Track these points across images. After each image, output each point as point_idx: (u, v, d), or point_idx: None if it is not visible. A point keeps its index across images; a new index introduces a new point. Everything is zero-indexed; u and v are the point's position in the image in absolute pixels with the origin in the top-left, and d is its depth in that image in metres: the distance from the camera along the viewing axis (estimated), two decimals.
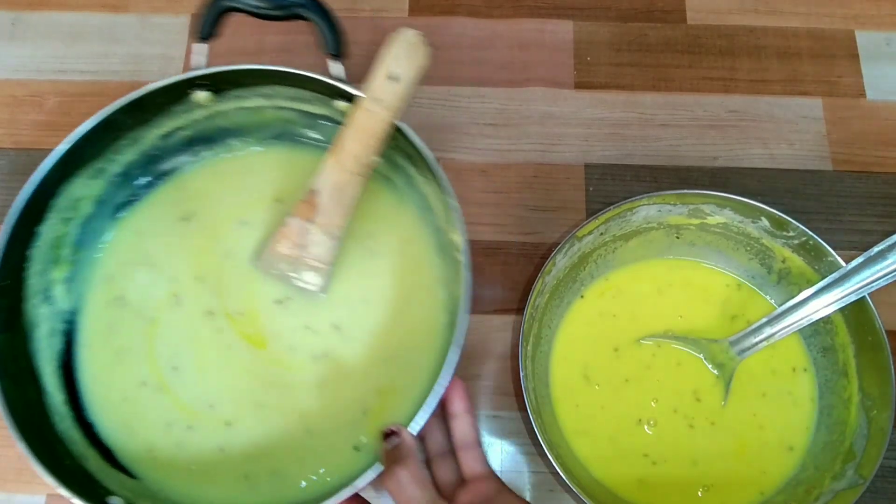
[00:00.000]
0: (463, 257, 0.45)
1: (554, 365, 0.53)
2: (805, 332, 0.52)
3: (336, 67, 0.48)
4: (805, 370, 0.52)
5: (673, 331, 0.53)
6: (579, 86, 0.63)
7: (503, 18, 0.66)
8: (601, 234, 0.53)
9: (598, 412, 0.51)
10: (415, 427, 0.42)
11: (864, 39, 0.64)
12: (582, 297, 0.54)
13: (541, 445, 0.45)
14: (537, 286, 0.49)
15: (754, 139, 0.61)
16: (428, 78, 0.63)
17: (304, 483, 0.47)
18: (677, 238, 0.55)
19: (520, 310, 0.56)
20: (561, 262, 0.52)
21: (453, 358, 0.43)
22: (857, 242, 0.58)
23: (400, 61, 0.44)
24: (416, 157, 0.48)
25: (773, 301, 0.54)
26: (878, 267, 0.46)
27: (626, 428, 0.51)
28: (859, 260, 0.47)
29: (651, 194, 0.51)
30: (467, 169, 0.60)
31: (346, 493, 0.41)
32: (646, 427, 0.51)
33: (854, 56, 0.64)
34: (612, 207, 0.51)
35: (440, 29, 0.65)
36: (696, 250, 0.55)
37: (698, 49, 0.64)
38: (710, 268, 0.55)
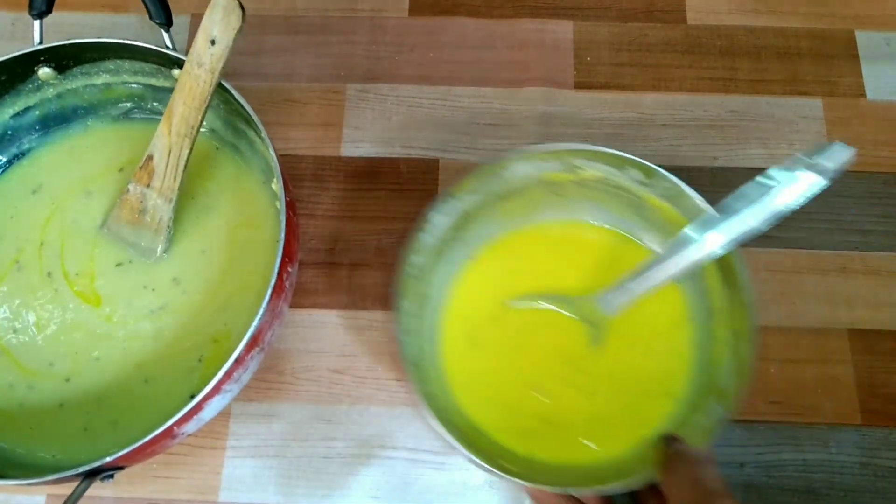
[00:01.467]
0: (280, 205, 0.47)
1: (443, 327, 0.53)
2: (681, 279, 0.53)
3: (166, 37, 0.51)
4: (684, 315, 0.53)
5: (557, 289, 0.54)
6: (579, 86, 0.63)
7: (503, 18, 0.66)
8: (478, 192, 0.53)
9: (483, 376, 0.52)
10: (230, 359, 0.43)
11: (865, 39, 0.64)
12: (471, 258, 0.55)
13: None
14: (412, 243, 0.50)
15: (754, 139, 0.61)
16: (428, 78, 0.63)
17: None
18: (559, 196, 0.55)
19: None
20: (440, 220, 0.52)
21: (270, 302, 0.45)
22: (857, 242, 0.58)
23: (217, 25, 0.46)
24: (249, 119, 0.50)
25: (655, 251, 0.55)
26: (737, 217, 0.45)
27: (515, 390, 0.52)
28: (717, 211, 0.47)
29: (521, 150, 0.51)
30: (467, 169, 0.60)
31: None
32: (533, 389, 0.52)
33: (854, 56, 0.64)
34: (481, 165, 0.51)
35: (440, 29, 0.65)
36: (579, 207, 0.56)
37: (698, 49, 0.64)
38: (593, 224, 0.56)
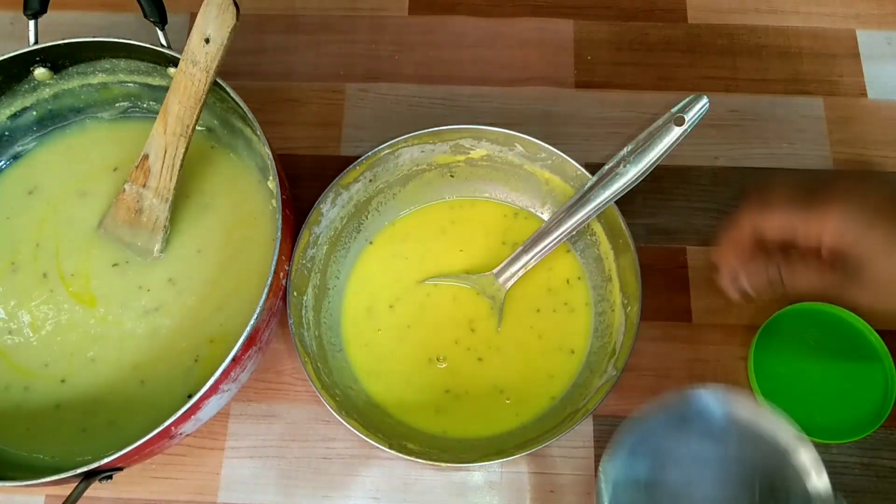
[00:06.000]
0: (277, 203, 0.47)
1: (345, 315, 0.55)
2: (578, 246, 0.56)
3: (161, 35, 0.51)
4: (579, 279, 0.55)
5: (456, 266, 0.55)
6: (580, 85, 0.63)
7: (504, 17, 0.66)
8: (370, 180, 0.55)
9: (388, 357, 0.53)
10: (228, 358, 0.43)
11: (866, 38, 0.64)
12: (371, 243, 0.56)
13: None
14: (304, 237, 0.51)
15: (755, 138, 0.61)
16: (428, 77, 0.63)
17: None
18: (452, 177, 0.57)
19: None
20: (331, 212, 0.54)
21: (267, 301, 0.45)
22: None
23: (211, 23, 0.46)
24: (245, 116, 0.50)
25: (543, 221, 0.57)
26: (615, 183, 0.49)
27: (420, 365, 0.53)
28: (594, 179, 0.50)
29: (406, 136, 0.53)
30: None
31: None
32: (437, 361, 0.53)
33: (855, 55, 0.64)
34: (369, 154, 0.53)
35: (440, 28, 0.65)
36: (472, 186, 0.58)
37: (699, 48, 0.64)
38: (487, 201, 0.58)
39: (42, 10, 0.51)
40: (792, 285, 0.41)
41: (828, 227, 0.39)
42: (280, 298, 0.49)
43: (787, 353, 0.53)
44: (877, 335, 0.51)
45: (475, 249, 0.56)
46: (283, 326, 0.54)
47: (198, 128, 0.52)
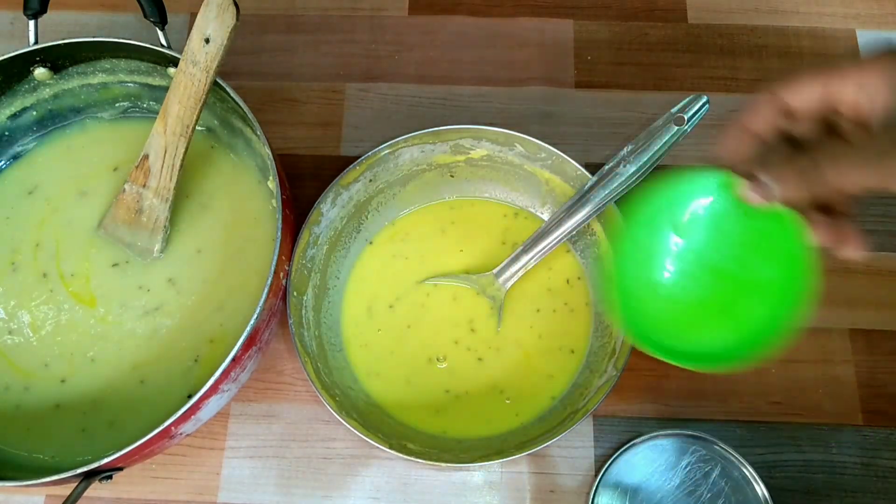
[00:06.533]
0: (277, 203, 0.47)
1: (345, 314, 0.55)
2: (578, 245, 0.56)
3: (161, 35, 0.51)
4: (579, 279, 0.55)
5: (457, 266, 0.56)
6: (580, 85, 0.63)
7: (503, 17, 0.66)
8: (370, 180, 0.55)
9: (388, 356, 0.54)
10: (228, 358, 0.43)
11: (866, 39, 0.64)
12: (371, 243, 0.56)
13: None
14: (304, 237, 0.51)
15: None
16: (428, 77, 0.63)
17: None
18: (451, 177, 0.57)
19: None
20: (332, 212, 0.54)
21: (267, 301, 0.45)
22: None
23: (211, 23, 0.46)
24: (245, 117, 0.50)
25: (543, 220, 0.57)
26: (614, 183, 0.49)
27: (419, 365, 0.53)
28: (594, 179, 0.50)
29: (407, 136, 0.53)
30: None
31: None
32: (437, 360, 0.53)
33: (855, 55, 0.63)
34: (369, 154, 0.53)
35: (440, 28, 0.65)
36: (472, 186, 0.58)
37: (699, 48, 0.64)
38: (487, 201, 0.58)
39: (42, 10, 0.51)
40: (835, 172, 0.30)
41: (871, 82, 0.29)
42: (280, 298, 0.49)
43: (659, 236, 0.39)
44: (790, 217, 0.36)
45: (475, 249, 0.56)
46: (283, 326, 0.54)
47: (198, 128, 0.52)
